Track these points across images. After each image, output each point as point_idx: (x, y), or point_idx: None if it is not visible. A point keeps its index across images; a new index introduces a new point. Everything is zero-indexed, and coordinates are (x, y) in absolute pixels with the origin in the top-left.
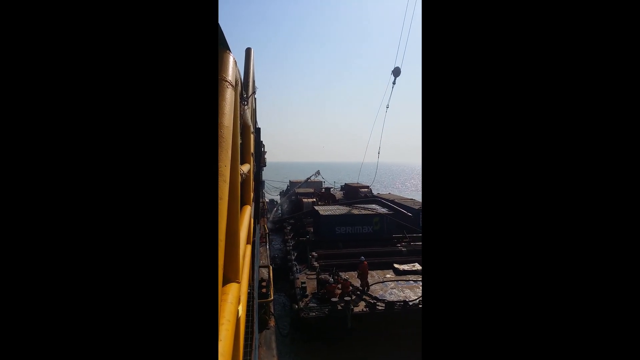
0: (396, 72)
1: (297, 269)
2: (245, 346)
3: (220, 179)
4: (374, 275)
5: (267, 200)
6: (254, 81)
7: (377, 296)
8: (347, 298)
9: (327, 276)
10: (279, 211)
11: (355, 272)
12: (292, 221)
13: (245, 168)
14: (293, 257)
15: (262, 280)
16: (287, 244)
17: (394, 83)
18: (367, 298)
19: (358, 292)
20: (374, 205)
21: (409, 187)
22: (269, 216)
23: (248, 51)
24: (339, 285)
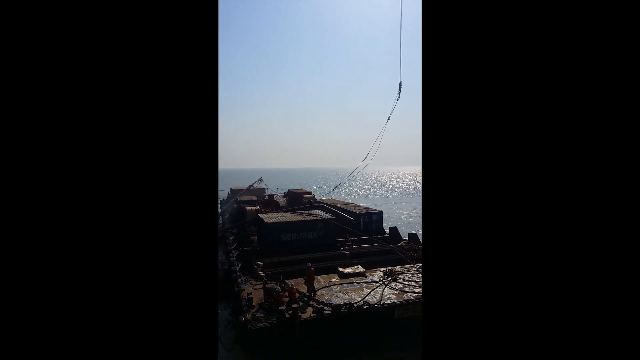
0: (400, 86)
1: (242, 280)
2: None
3: None
4: (319, 281)
5: None
6: None
7: (324, 301)
8: (294, 305)
9: (274, 285)
10: (220, 221)
11: (302, 278)
12: (234, 231)
13: None
14: (237, 268)
15: None
16: (230, 255)
17: (398, 97)
18: (314, 303)
19: (305, 298)
20: (317, 211)
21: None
22: None
23: None
24: (286, 293)
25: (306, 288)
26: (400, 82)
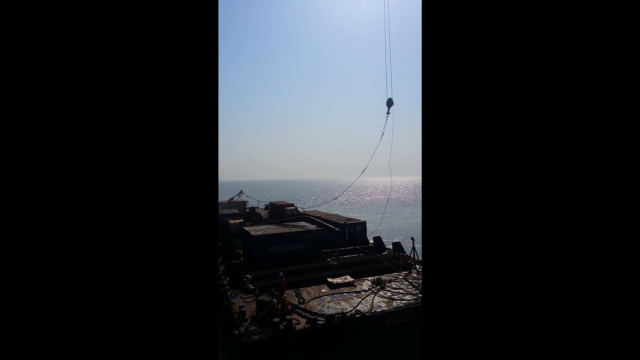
0: (389, 103)
1: (231, 293)
2: None
3: None
4: (310, 292)
5: None
6: None
7: (316, 311)
8: (288, 317)
9: (266, 297)
10: None
11: (292, 290)
12: (219, 244)
13: None
14: (225, 282)
15: None
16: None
17: (387, 113)
18: (307, 314)
19: (297, 310)
20: (303, 223)
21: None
22: None
23: None
24: (279, 305)
25: (297, 300)
26: (389, 99)
